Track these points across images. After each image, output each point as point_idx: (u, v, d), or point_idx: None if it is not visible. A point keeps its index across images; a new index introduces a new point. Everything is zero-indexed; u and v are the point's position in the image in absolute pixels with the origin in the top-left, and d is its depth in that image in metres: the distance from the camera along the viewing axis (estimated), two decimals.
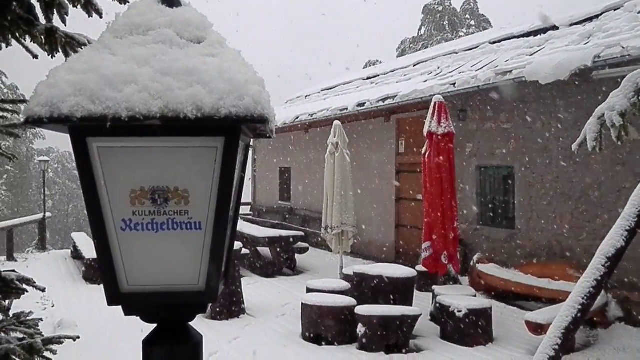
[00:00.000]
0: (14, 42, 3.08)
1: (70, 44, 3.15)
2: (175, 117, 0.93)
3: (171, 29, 1.04)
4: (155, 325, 1.11)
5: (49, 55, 3.10)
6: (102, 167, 0.99)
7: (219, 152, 1.01)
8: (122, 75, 0.95)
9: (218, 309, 7.59)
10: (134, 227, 1.02)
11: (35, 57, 3.20)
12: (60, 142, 42.05)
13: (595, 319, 6.66)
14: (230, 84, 0.96)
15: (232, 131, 1.00)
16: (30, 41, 3.14)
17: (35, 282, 3.13)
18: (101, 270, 1.04)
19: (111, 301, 1.05)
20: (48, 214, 19.36)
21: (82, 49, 3.17)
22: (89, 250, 11.49)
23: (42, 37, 3.10)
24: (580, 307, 5.37)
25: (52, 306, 8.39)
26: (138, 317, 1.09)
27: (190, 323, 1.13)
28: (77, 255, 12.81)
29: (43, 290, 3.23)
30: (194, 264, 1.04)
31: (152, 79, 0.95)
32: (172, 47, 1.02)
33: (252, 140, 1.24)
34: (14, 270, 3.05)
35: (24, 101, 3.07)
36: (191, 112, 0.93)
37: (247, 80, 0.98)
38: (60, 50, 3.15)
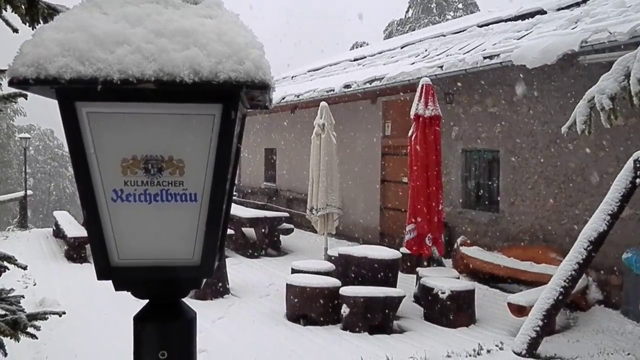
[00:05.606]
0: None
1: (52, 16, 3.05)
2: (170, 80, 0.87)
3: None
4: (146, 301, 1.07)
5: (29, 26, 3.00)
6: (91, 134, 0.94)
7: (217, 120, 0.95)
8: (113, 35, 0.89)
9: (202, 289, 7.55)
10: (125, 198, 0.97)
11: (15, 30, 3.09)
12: (41, 119, 41.06)
13: (576, 300, 6.76)
14: (229, 47, 0.90)
15: (231, 98, 0.94)
16: (12, 11, 3.03)
17: (16, 260, 3.06)
18: (91, 243, 0.99)
19: (101, 275, 1.00)
20: (29, 192, 19.07)
21: None
22: (71, 228, 11.35)
23: (24, 7, 2.99)
24: (561, 289, 5.46)
25: (34, 284, 8.29)
26: (122, 296, 1.04)
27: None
28: (58, 233, 12.64)
29: (24, 268, 3.17)
30: (189, 237, 1.00)
31: (146, 40, 0.89)
32: (167, 7, 0.96)
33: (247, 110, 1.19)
34: None
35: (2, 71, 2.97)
36: (188, 76, 0.87)
37: (247, 43, 0.92)
38: (41, 22, 3.05)
